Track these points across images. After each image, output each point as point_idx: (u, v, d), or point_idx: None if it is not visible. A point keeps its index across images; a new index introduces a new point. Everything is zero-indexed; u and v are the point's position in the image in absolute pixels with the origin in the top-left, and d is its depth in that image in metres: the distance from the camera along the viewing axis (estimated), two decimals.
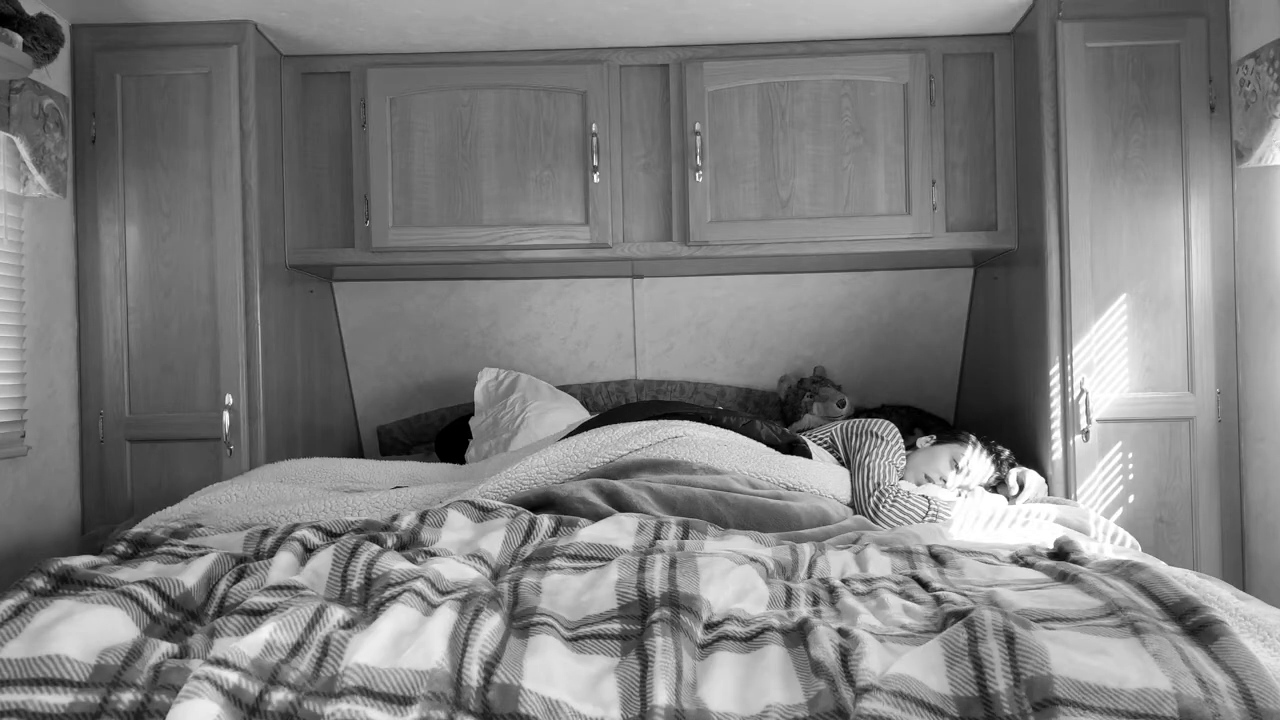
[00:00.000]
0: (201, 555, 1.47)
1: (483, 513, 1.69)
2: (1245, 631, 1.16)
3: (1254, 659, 1.04)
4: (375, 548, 1.42)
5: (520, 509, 1.73)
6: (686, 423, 2.29)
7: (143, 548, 1.59)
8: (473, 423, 2.99)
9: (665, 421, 2.29)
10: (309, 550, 1.49)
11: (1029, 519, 2.09)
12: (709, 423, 2.37)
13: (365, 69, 2.80)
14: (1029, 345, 2.66)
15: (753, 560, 1.46)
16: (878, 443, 2.37)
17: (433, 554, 1.49)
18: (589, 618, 1.24)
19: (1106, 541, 2.04)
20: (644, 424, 2.25)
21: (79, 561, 1.40)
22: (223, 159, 2.59)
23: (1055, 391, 2.50)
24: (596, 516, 1.78)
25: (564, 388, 3.29)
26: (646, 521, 1.67)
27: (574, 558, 1.46)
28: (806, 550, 1.58)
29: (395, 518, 1.64)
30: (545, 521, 1.66)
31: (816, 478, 2.17)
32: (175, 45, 2.60)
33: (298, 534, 1.51)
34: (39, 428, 2.44)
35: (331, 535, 1.56)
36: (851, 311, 3.25)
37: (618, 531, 1.61)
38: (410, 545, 1.55)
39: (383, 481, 2.31)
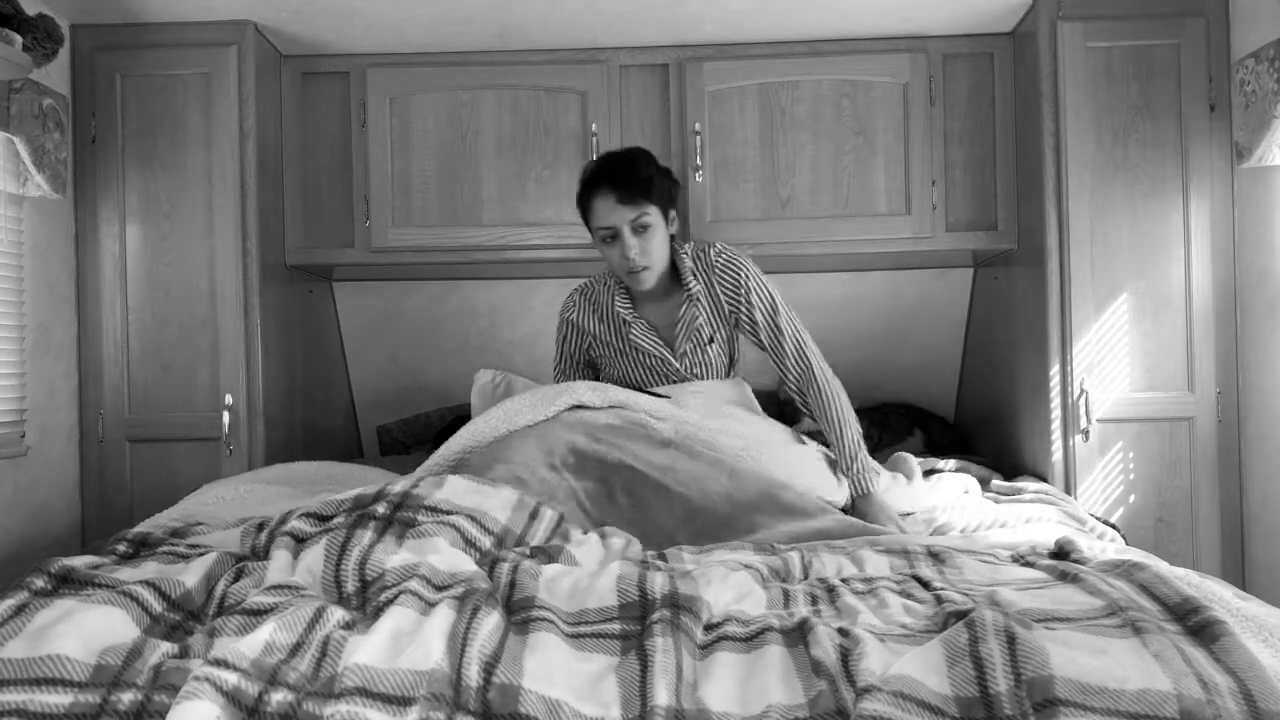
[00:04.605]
0: (202, 555, 1.47)
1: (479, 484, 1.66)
2: (1247, 632, 1.16)
3: (1255, 660, 1.04)
4: (366, 539, 1.39)
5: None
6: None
7: (143, 547, 1.59)
8: None
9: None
10: (300, 541, 1.46)
11: (1031, 520, 2.08)
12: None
13: (365, 69, 2.80)
14: (1029, 345, 2.66)
15: (746, 566, 1.46)
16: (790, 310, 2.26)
17: (432, 509, 1.47)
18: (587, 611, 1.24)
19: (1095, 537, 2.04)
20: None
21: (79, 561, 1.40)
22: (222, 159, 2.59)
23: (1055, 391, 2.50)
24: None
25: None
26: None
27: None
28: (795, 557, 1.58)
29: (388, 484, 1.57)
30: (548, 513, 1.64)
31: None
32: (175, 45, 2.60)
33: (289, 525, 1.48)
34: (39, 428, 2.44)
35: (322, 519, 1.51)
36: (851, 312, 3.25)
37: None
38: (403, 506, 1.50)
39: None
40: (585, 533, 1.66)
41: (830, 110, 2.77)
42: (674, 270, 2.24)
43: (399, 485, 1.55)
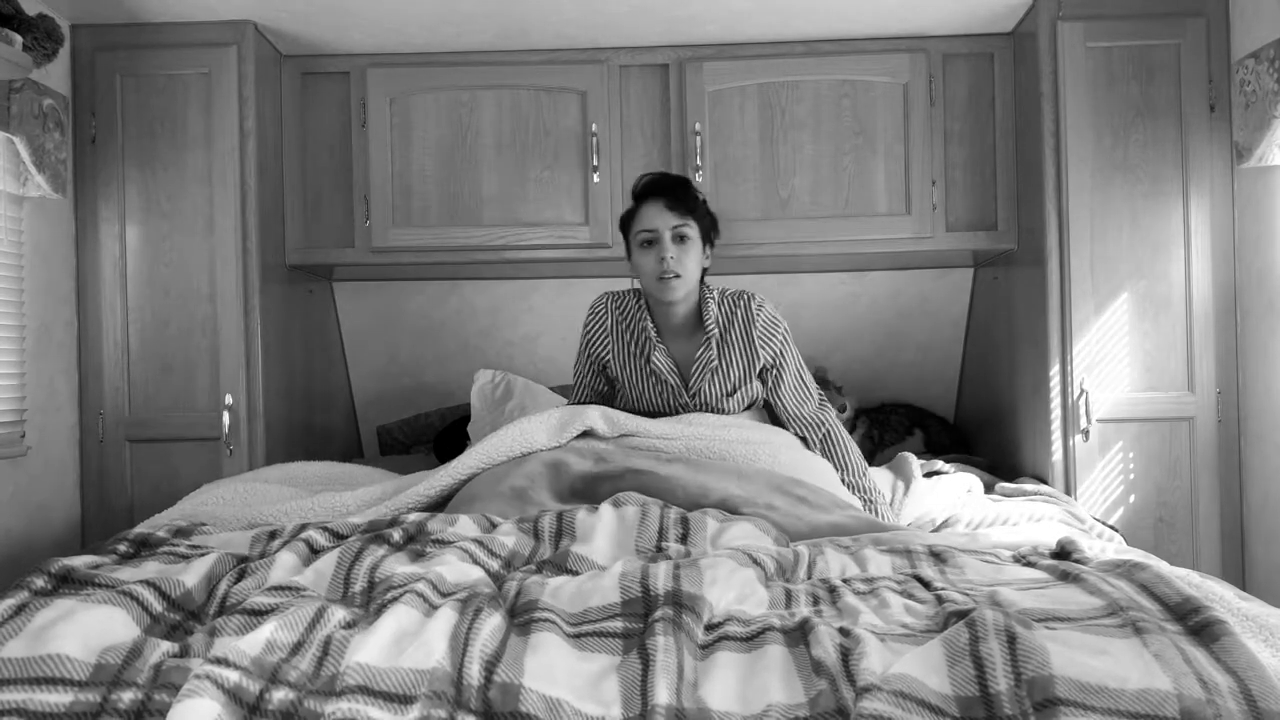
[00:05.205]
0: (203, 555, 1.47)
1: (493, 526, 1.68)
2: (1247, 632, 1.16)
3: (1256, 659, 1.04)
4: (380, 551, 1.42)
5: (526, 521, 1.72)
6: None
7: (144, 548, 1.59)
8: (470, 429, 2.98)
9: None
10: (315, 551, 1.48)
11: (1035, 518, 2.09)
12: None
13: (365, 69, 2.80)
14: (1029, 345, 2.66)
15: (755, 562, 1.45)
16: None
17: (441, 541, 1.48)
18: (590, 610, 1.24)
19: (1094, 537, 2.04)
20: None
21: (79, 561, 1.40)
22: (223, 159, 2.59)
23: (1055, 391, 2.50)
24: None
25: (564, 388, 3.28)
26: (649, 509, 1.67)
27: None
28: (805, 551, 1.58)
29: (402, 515, 1.64)
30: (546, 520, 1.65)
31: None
32: (175, 45, 2.60)
33: (305, 535, 1.51)
34: (39, 428, 2.44)
35: (339, 537, 1.55)
36: (851, 311, 3.25)
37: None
38: (418, 538, 1.54)
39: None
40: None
41: (830, 110, 2.77)
42: (700, 310, 2.24)
43: (413, 517, 1.60)
